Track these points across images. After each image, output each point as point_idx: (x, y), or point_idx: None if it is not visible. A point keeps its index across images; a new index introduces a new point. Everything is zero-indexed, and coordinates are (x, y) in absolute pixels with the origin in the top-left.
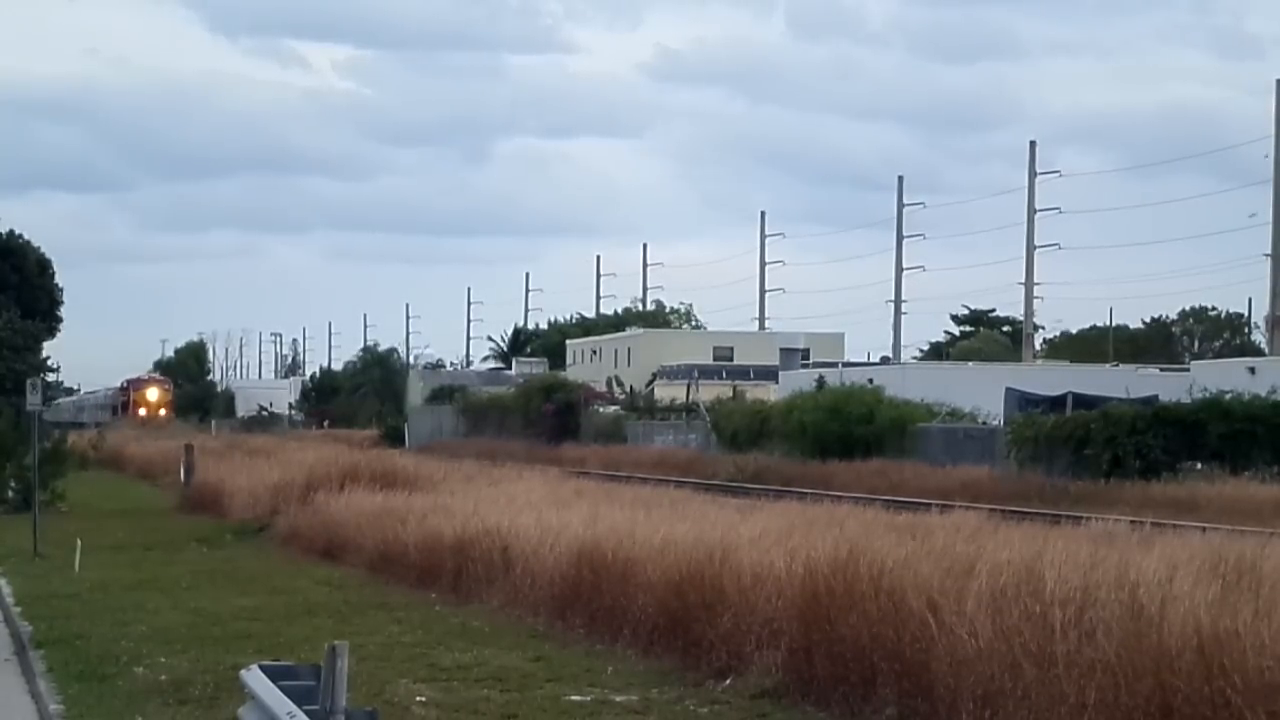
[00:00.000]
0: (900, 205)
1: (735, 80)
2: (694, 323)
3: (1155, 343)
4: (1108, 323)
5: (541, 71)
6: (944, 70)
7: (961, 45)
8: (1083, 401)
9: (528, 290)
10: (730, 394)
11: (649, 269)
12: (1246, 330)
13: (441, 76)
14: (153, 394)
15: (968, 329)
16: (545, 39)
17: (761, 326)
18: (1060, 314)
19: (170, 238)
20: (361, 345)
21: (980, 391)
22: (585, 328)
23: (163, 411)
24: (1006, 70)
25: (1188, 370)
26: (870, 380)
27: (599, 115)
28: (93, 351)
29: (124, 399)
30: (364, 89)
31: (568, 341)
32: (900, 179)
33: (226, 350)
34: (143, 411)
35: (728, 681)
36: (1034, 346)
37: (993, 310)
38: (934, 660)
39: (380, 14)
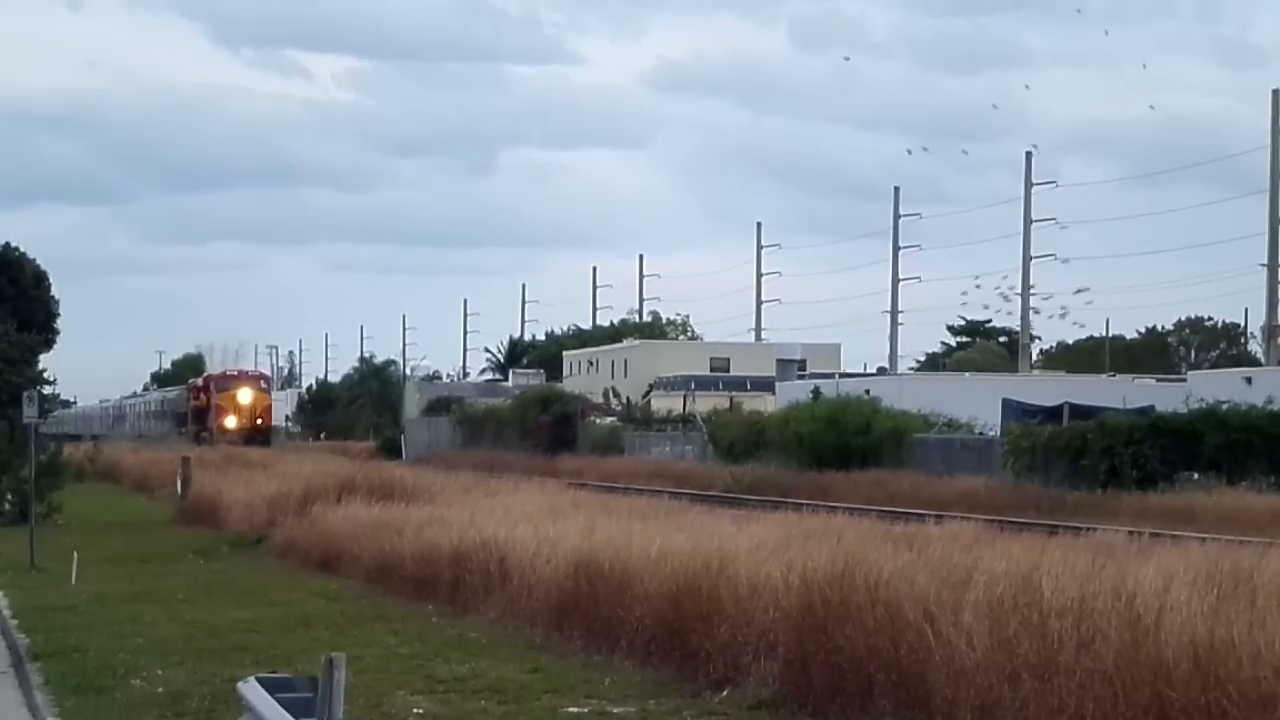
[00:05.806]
0: (896, 216)
1: (737, 91)
2: (690, 334)
3: (1151, 353)
4: (1104, 333)
5: (544, 82)
6: (947, 80)
7: (965, 55)
8: (1079, 412)
9: (524, 302)
10: (727, 405)
11: (645, 280)
12: (1243, 340)
13: (443, 87)
14: (244, 395)
15: (964, 340)
16: (548, 50)
17: (758, 337)
18: (1058, 323)
19: (170, 249)
20: (358, 357)
21: (977, 402)
22: (582, 339)
23: (260, 422)
24: (1010, 80)
25: (1184, 380)
26: (867, 391)
27: (602, 126)
28: (90, 364)
29: (198, 405)
30: (366, 100)
31: (564, 353)
32: (896, 190)
33: (223, 362)
34: (231, 422)
35: (725, 693)
36: (1030, 357)
37: (989, 321)
38: (931, 671)
39: (382, 25)
